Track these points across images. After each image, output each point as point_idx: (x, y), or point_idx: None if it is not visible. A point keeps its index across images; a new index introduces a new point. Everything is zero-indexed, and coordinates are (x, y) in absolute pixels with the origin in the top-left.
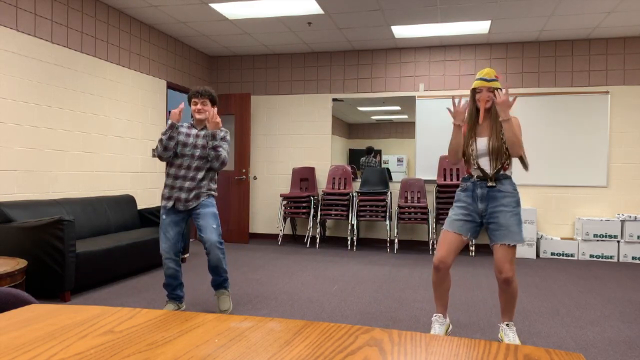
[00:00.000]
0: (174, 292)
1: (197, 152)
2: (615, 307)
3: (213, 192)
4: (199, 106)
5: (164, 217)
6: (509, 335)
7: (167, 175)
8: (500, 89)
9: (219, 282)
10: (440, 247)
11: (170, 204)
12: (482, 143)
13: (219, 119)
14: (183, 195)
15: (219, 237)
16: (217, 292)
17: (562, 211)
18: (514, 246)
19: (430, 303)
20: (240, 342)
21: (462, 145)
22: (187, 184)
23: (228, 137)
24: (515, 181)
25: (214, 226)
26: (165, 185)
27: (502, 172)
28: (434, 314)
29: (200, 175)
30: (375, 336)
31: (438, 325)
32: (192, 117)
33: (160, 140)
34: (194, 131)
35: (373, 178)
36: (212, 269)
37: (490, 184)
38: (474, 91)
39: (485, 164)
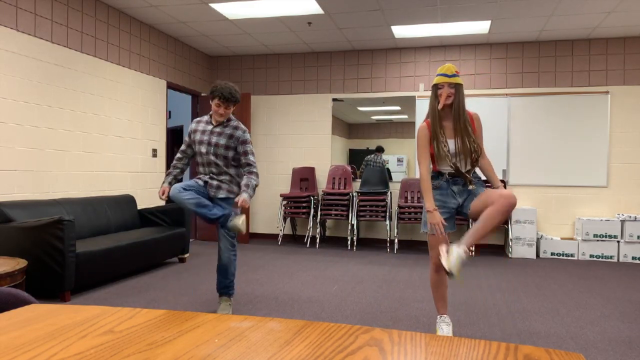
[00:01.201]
0: (211, 211)
1: (212, 149)
2: (615, 307)
3: (234, 195)
4: (221, 110)
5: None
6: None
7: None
8: (461, 85)
9: (225, 284)
10: (436, 248)
11: (202, 180)
12: (452, 144)
13: (246, 204)
14: (211, 182)
15: (233, 238)
16: (220, 299)
17: (562, 211)
18: None
19: (430, 303)
20: (240, 342)
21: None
22: (207, 177)
23: (248, 136)
24: (516, 181)
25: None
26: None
27: (473, 169)
28: (439, 316)
29: (217, 170)
30: (375, 336)
31: (445, 325)
32: (210, 114)
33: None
34: (210, 127)
35: (373, 178)
36: (221, 268)
37: (462, 184)
38: (436, 87)
39: (459, 163)
